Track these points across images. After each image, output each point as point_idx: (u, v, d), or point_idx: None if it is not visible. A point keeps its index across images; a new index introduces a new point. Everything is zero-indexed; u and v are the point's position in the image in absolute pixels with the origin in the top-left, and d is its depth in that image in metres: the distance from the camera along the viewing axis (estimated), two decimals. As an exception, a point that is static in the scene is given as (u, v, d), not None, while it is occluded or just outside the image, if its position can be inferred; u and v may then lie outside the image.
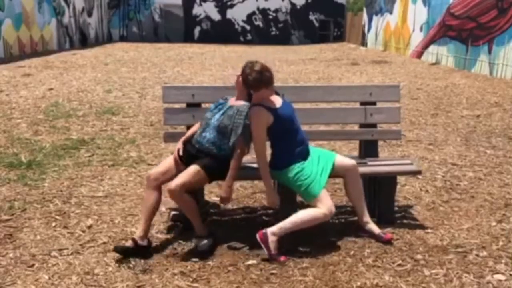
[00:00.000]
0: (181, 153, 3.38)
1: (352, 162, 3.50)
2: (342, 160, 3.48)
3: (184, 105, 3.81)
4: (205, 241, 3.24)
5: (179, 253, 3.25)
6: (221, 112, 3.37)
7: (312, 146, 3.52)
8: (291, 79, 11.60)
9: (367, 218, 3.47)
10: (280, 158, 3.34)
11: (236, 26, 29.51)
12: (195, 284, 2.89)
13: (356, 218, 3.60)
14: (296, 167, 3.29)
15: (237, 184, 4.36)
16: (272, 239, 3.14)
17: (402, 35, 19.20)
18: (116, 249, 3.15)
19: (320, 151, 3.52)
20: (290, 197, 3.45)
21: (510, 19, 11.82)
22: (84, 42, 24.14)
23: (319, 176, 3.31)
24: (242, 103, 3.38)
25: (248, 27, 29.52)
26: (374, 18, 22.75)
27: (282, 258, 3.14)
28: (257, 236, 3.17)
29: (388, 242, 3.37)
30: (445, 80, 11.46)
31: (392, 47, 20.22)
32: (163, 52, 19.20)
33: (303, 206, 3.68)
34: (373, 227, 3.45)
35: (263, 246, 3.14)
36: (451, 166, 5.11)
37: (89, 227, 3.63)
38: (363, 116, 3.92)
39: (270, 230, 3.17)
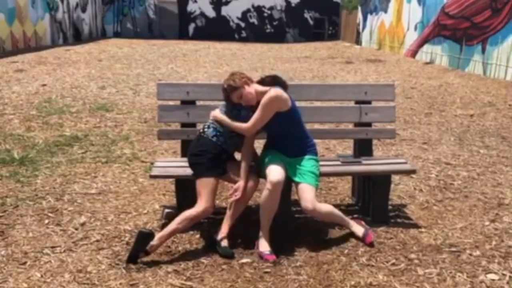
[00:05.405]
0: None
1: (308, 206, 3.22)
2: (303, 193, 3.26)
3: (178, 103, 3.79)
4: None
5: (173, 251, 3.23)
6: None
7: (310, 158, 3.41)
8: (286, 77, 11.57)
9: (350, 224, 3.44)
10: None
11: (231, 23, 29.44)
12: (188, 283, 2.87)
13: (349, 216, 3.58)
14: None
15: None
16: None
17: (396, 34, 19.24)
18: (130, 260, 3.07)
19: (307, 165, 3.38)
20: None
21: (504, 19, 11.86)
22: (78, 38, 24.01)
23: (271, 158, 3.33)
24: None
25: (243, 25, 29.47)
26: (369, 16, 22.77)
27: (270, 257, 3.13)
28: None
29: (370, 245, 3.32)
30: (439, 79, 11.50)
31: (387, 46, 20.25)
32: (158, 48, 19.12)
33: (297, 206, 3.67)
34: (356, 229, 3.42)
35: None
36: (444, 166, 5.12)
37: (82, 224, 3.60)
38: (358, 114, 3.92)
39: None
